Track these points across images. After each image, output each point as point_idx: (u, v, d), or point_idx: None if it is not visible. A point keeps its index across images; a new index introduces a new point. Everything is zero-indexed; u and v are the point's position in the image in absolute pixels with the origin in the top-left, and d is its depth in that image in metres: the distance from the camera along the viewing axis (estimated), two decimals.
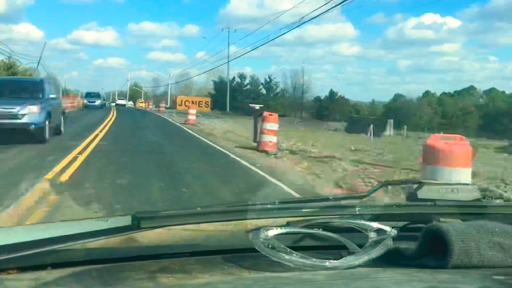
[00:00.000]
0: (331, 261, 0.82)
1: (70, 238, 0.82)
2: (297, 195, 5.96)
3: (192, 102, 51.62)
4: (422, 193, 1.04)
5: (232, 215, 0.96)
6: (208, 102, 57.37)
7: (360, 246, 0.88)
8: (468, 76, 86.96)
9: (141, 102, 66.74)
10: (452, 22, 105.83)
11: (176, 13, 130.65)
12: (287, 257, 0.80)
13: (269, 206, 0.99)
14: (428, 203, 1.03)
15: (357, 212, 0.99)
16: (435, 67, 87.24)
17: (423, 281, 0.77)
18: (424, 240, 0.87)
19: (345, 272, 0.81)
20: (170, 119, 26.29)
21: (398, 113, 48.26)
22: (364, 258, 0.84)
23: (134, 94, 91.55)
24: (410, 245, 0.90)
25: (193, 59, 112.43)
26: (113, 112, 30.49)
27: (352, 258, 0.83)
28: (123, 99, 69.92)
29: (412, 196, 1.06)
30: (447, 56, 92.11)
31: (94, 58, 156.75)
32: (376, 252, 0.85)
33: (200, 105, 52.84)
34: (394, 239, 0.90)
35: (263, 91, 65.55)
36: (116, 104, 58.86)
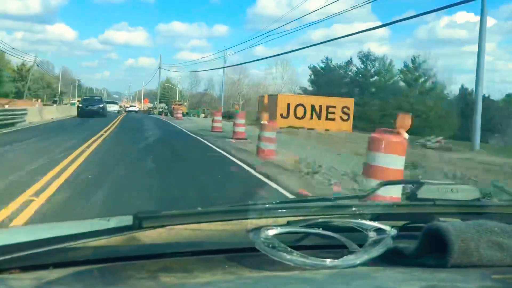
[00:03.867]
0: (332, 260, 0.82)
1: (72, 238, 0.82)
2: None
3: (313, 109, 28.25)
4: (422, 193, 1.05)
5: (233, 215, 0.97)
6: (348, 108, 29.36)
7: (360, 245, 0.89)
8: (501, 76, 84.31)
9: (178, 103, 48.07)
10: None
11: (205, 13, 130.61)
12: (287, 256, 0.81)
13: (269, 205, 0.99)
14: (428, 202, 1.04)
15: (357, 212, 0.99)
16: (468, 67, 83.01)
17: (422, 280, 0.78)
18: (424, 240, 0.87)
19: (345, 271, 0.81)
20: None
21: None
22: (364, 257, 0.84)
23: (166, 94, 72.21)
24: (410, 245, 0.90)
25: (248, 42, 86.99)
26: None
27: (352, 257, 0.84)
28: (134, 106, 64.18)
29: (411, 196, 1.06)
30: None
31: (125, 58, 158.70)
32: (376, 252, 0.85)
33: (329, 117, 28.37)
34: (394, 238, 0.90)
35: (401, 84, 37.34)
36: (128, 111, 53.00)
